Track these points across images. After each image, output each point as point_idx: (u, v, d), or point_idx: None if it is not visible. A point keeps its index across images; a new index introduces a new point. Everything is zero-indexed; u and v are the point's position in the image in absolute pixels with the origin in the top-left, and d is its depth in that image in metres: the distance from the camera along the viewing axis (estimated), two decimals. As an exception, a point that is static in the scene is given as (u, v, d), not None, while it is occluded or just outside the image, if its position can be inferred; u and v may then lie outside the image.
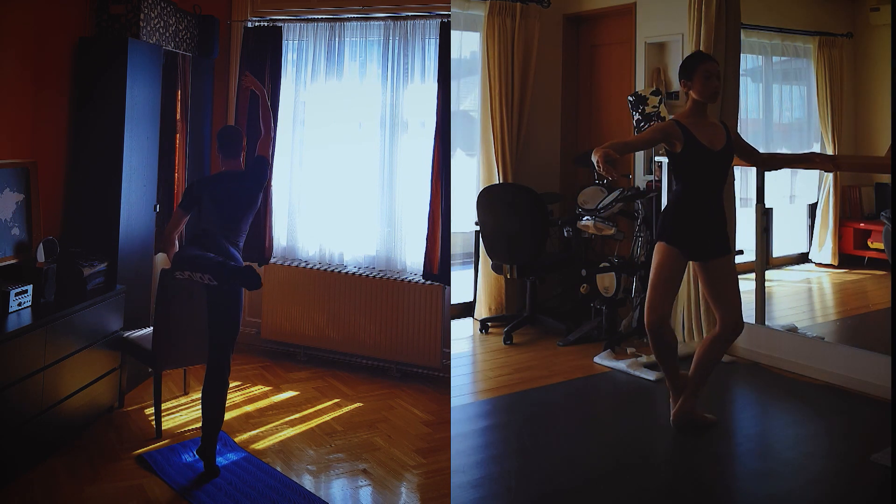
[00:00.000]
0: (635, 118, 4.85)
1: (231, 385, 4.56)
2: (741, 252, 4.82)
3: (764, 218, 4.64)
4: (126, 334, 4.15)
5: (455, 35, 5.25)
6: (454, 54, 5.16)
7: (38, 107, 4.13)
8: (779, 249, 5.59)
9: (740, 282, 4.82)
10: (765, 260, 4.68)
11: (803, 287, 5.69)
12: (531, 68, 5.52)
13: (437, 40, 4.84)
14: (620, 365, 4.50)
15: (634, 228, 5.02)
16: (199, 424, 3.65)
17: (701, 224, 3.49)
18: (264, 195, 5.15)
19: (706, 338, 3.68)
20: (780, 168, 4.19)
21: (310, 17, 5.22)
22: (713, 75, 3.46)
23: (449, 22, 4.80)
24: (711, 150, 3.45)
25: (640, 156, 5.26)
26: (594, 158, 3.16)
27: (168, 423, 4.02)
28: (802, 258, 5.75)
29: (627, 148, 3.61)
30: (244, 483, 3.43)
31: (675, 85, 5.13)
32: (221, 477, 3.45)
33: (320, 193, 5.26)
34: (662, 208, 4.08)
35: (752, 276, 4.65)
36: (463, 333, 5.38)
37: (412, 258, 5.01)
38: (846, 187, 5.55)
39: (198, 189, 3.66)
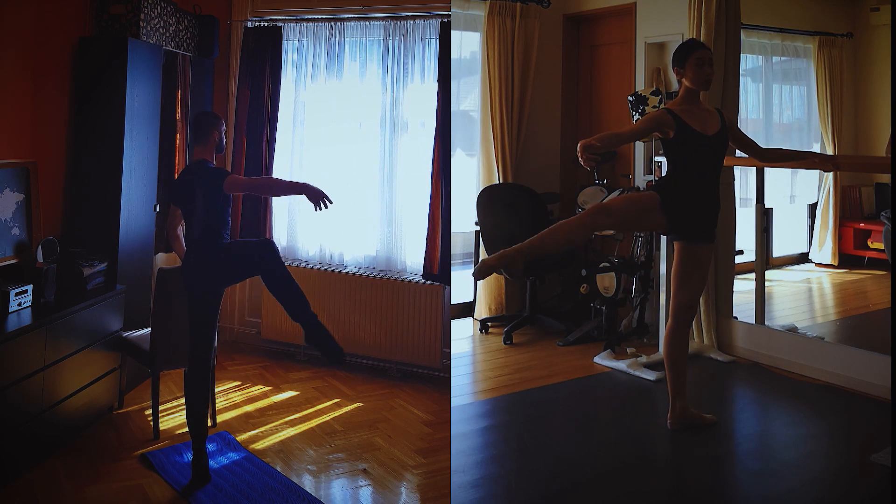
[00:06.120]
0: (635, 118, 4.84)
1: (231, 385, 4.59)
2: (741, 252, 4.82)
3: (764, 218, 4.64)
4: (125, 334, 4.15)
5: (455, 35, 5.25)
6: (454, 54, 5.16)
7: (38, 107, 4.12)
8: (779, 249, 5.59)
9: (741, 282, 4.86)
10: (765, 260, 4.67)
11: (803, 287, 5.69)
12: (531, 68, 5.52)
13: (437, 40, 4.84)
14: (620, 365, 4.50)
15: (634, 228, 5.02)
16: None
17: (691, 206, 3.44)
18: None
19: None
20: (779, 162, 4.14)
21: (310, 17, 5.21)
22: (705, 62, 3.44)
23: (449, 22, 4.80)
24: (704, 135, 3.43)
25: (640, 156, 5.26)
26: (578, 148, 3.15)
27: (168, 422, 4.03)
28: (802, 258, 5.76)
29: (619, 139, 3.56)
30: (244, 483, 3.43)
31: (675, 85, 5.12)
32: (222, 477, 3.45)
33: (320, 193, 5.25)
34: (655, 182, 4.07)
35: (752, 276, 4.65)
36: (463, 333, 5.38)
37: (412, 258, 5.01)
38: (846, 187, 5.56)
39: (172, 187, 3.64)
